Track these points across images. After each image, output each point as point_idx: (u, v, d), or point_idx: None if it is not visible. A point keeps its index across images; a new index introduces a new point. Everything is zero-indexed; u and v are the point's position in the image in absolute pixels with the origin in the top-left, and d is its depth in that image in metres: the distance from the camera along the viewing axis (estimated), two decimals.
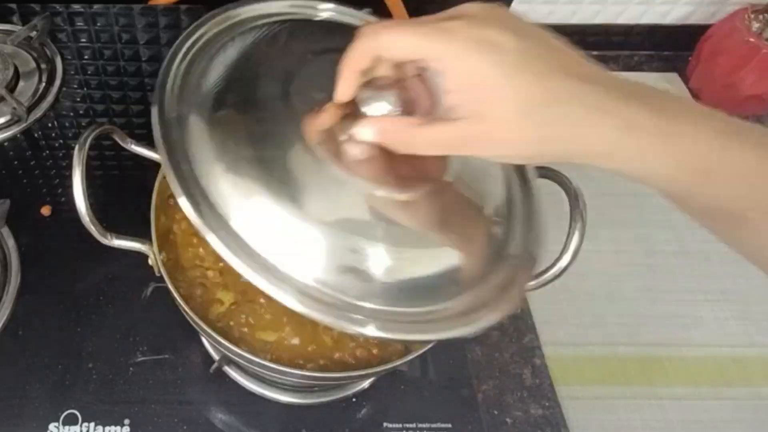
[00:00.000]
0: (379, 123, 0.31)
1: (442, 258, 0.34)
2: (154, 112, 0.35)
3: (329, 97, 0.32)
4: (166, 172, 0.32)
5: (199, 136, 0.34)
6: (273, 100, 0.35)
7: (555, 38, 0.29)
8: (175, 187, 0.32)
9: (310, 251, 0.32)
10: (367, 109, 0.31)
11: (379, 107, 0.31)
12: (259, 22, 0.41)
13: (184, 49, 0.38)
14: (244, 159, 0.33)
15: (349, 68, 0.30)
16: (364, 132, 0.31)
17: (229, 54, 0.39)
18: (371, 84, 0.31)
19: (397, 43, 0.29)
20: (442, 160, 0.35)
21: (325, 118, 0.33)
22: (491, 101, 0.27)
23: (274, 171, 0.33)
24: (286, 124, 0.34)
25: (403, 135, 0.30)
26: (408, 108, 0.31)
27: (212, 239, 0.31)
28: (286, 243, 0.32)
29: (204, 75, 0.37)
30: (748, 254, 0.31)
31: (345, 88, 0.31)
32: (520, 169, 0.41)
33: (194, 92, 0.36)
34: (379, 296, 0.32)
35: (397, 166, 0.33)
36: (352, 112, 0.32)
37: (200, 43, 0.39)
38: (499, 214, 0.37)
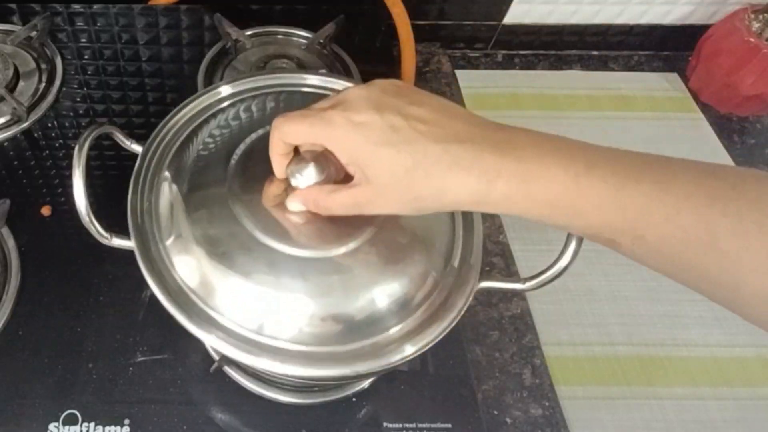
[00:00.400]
0: (302, 195, 0.37)
1: (393, 290, 0.38)
2: (129, 202, 0.41)
3: (267, 173, 0.39)
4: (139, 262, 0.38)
5: (165, 220, 0.40)
6: (221, 181, 0.40)
7: (424, 107, 0.33)
8: (146, 278, 0.37)
9: (284, 316, 0.36)
10: (294, 182, 0.36)
11: (303, 180, 0.36)
12: (233, 100, 0.47)
13: (158, 138, 0.44)
14: (198, 239, 0.38)
15: (273, 154, 0.37)
16: (292, 205, 0.38)
17: (200, 137, 0.44)
18: (299, 157, 0.37)
19: (293, 132, 0.35)
20: None
21: (272, 190, 0.39)
22: (370, 172, 0.33)
23: (229, 250, 0.37)
24: (236, 201, 0.39)
25: (321, 202, 0.36)
26: (330, 173, 0.36)
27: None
28: (257, 312, 0.36)
29: (177, 159, 0.43)
30: (640, 263, 0.33)
31: (277, 168, 0.38)
32: None
33: (164, 180, 0.42)
34: (350, 335, 0.36)
35: (339, 221, 0.37)
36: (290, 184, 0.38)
37: (178, 125, 0.45)
38: (442, 235, 0.41)
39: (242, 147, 0.41)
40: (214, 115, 0.45)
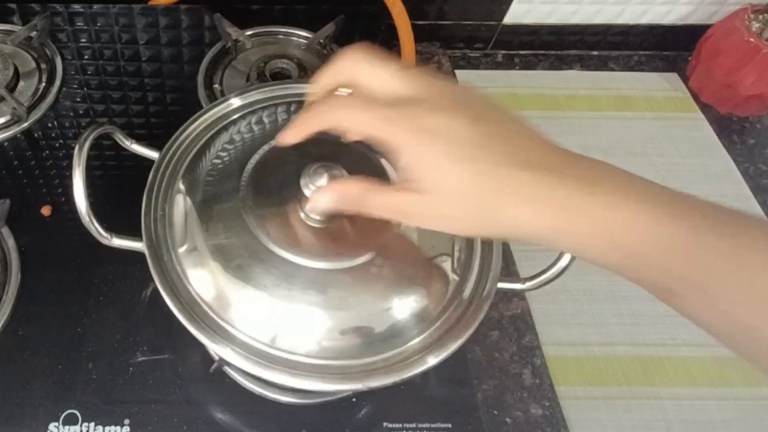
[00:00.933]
0: (338, 188, 0.34)
1: (412, 301, 0.37)
2: (143, 214, 0.40)
3: (280, 184, 0.39)
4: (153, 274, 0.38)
5: (179, 230, 0.40)
6: (235, 192, 0.40)
7: (495, 124, 0.31)
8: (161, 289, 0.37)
9: (301, 329, 0.36)
10: (308, 192, 0.36)
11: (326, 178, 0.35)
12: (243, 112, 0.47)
13: (171, 150, 0.44)
14: (212, 249, 0.38)
15: (305, 124, 0.34)
16: (321, 198, 0.35)
17: (213, 149, 0.44)
18: (314, 168, 0.36)
19: (351, 125, 0.32)
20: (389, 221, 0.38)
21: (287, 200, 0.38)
22: (430, 185, 0.30)
23: (244, 260, 0.37)
24: (249, 213, 0.38)
25: (363, 198, 0.33)
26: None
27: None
28: (273, 326, 0.36)
29: (190, 171, 0.43)
30: (688, 318, 0.31)
31: (296, 134, 0.35)
32: None
33: (177, 192, 0.42)
34: (370, 348, 0.36)
35: (350, 235, 0.37)
36: (298, 199, 0.37)
37: (191, 137, 0.45)
38: (460, 244, 0.40)
39: (255, 158, 0.41)
40: (225, 127, 0.45)
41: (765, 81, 0.71)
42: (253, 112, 0.46)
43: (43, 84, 0.67)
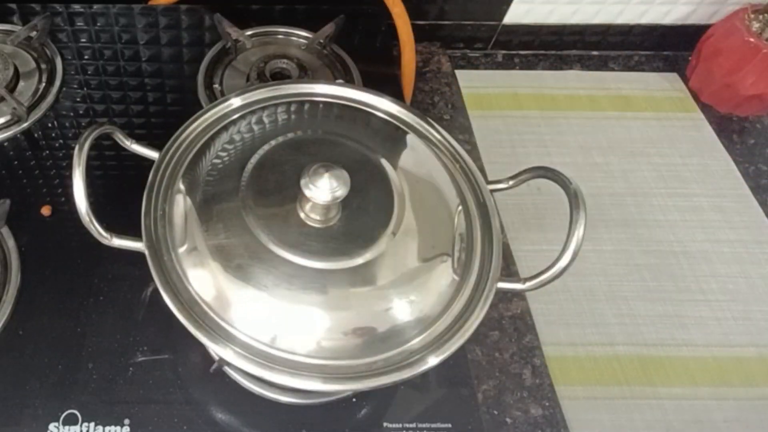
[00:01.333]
0: None
1: (413, 301, 0.37)
2: (143, 215, 0.40)
3: (280, 184, 0.39)
4: (152, 272, 0.38)
5: (179, 230, 0.40)
6: (235, 192, 0.40)
7: None
8: (161, 289, 0.37)
9: (302, 329, 0.36)
10: (308, 193, 0.36)
11: (318, 191, 0.36)
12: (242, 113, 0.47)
13: (171, 150, 0.44)
14: (212, 249, 0.38)
15: None
16: None
17: (213, 149, 0.44)
18: (315, 168, 0.36)
19: None
20: (388, 217, 0.39)
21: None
22: None
23: (244, 259, 0.38)
24: (249, 213, 0.39)
25: None
26: (347, 186, 0.36)
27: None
28: (273, 326, 0.36)
29: (190, 171, 0.43)
30: None
31: None
32: (475, 193, 0.44)
33: (178, 192, 0.42)
34: (371, 348, 0.36)
35: (350, 235, 0.37)
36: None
37: (191, 137, 0.45)
38: (460, 242, 0.41)
39: (255, 158, 0.41)
40: (226, 127, 0.45)
41: (765, 81, 0.71)
42: (253, 112, 0.46)
43: (43, 84, 0.67)
